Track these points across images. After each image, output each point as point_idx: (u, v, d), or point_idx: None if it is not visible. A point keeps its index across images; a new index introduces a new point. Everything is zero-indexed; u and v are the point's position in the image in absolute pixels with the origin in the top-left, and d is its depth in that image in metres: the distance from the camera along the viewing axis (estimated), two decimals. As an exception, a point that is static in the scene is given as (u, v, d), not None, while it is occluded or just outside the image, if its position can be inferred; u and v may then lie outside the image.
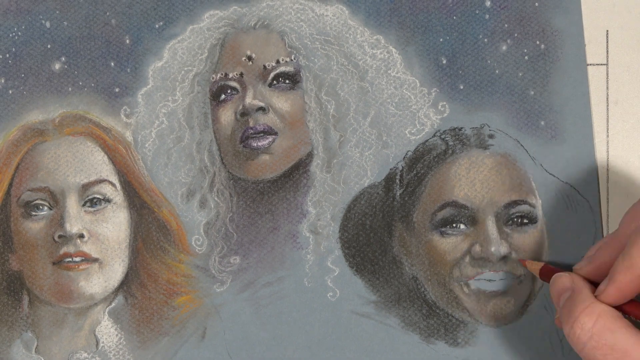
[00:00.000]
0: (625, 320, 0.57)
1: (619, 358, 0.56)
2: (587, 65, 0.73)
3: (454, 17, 0.73)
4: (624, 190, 0.72)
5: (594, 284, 0.61)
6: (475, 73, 0.73)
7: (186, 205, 0.72)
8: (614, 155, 0.72)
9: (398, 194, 0.72)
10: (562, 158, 0.72)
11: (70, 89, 0.73)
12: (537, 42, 0.73)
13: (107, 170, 0.72)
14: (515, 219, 0.70)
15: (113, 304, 0.72)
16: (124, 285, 0.72)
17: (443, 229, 0.70)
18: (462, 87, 0.72)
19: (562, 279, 0.62)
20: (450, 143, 0.72)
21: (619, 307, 0.58)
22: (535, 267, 0.68)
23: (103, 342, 0.72)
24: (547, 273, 0.67)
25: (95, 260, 0.71)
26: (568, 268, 0.65)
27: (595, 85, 0.72)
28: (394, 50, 0.73)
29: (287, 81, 0.72)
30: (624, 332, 0.56)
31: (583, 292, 0.59)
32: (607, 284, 0.58)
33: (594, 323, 0.57)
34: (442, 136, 0.72)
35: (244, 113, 0.72)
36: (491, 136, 0.72)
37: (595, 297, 0.59)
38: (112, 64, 0.73)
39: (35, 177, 0.71)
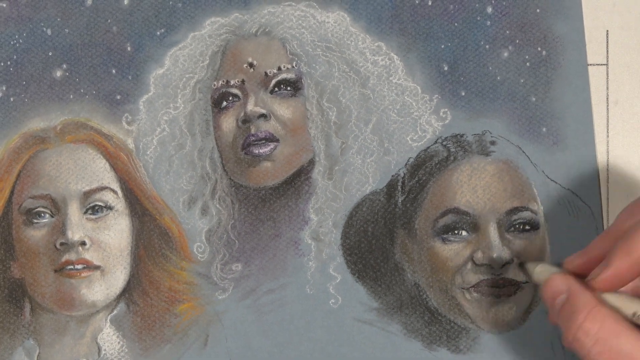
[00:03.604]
0: (627, 322, 0.56)
1: None
2: (588, 65, 0.73)
3: (456, 24, 0.73)
4: (624, 190, 0.72)
5: (584, 277, 0.59)
6: (476, 79, 0.73)
7: (188, 212, 0.72)
8: (614, 156, 0.72)
9: (400, 201, 0.72)
10: (563, 164, 0.72)
11: (71, 96, 0.73)
12: (539, 49, 0.73)
13: (108, 178, 0.72)
14: (517, 226, 0.70)
15: (115, 312, 0.72)
16: (126, 292, 0.72)
17: (445, 236, 0.70)
18: (463, 94, 0.72)
19: (555, 281, 0.60)
20: (452, 150, 0.72)
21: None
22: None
23: (105, 350, 0.71)
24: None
25: (97, 267, 0.71)
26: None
27: (595, 85, 0.72)
28: (395, 57, 0.73)
29: (288, 88, 0.72)
30: (628, 334, 0.55)
31: (581, 294, 0.58)
32: (603, 269, 0.56)
33: (598, 328, 0.56)
34: (444, 143, 0.72)
35: (246, 120, 0.72)
36: (493, 143, 0.72)
37: (588, 281, 0.58)
38: (114, 71, 0.73)
39: (36, 184, 0.71)
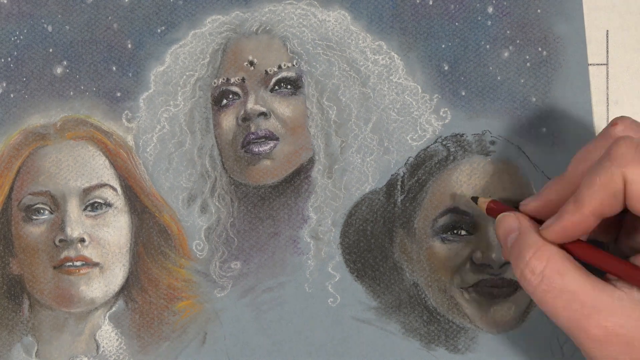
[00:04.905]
0: (574, 262, 0.57)
1: (568, 299, 0.56)
2: (588, 65, 0.73)
3: (456, 24, 0.73)
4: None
5: (539, 222, 0.60)
6: (477, 79, 0.73)
7: (187, 210, 0.72)
8: (614, 157, 0.72)
9: (399, 200, 0.72)
10: (563, 165, 0.71)
11: (71, 93, 0.73)
12: (539, 49, 0.73)
13: (108, 175, 0.72)
14: (517, 226, 0.70)
15: (113, 309, 0.72)
16: (125, 289, 0.72)
17: (444, 236, 0.70)
18: (463, 94, 0.72)
19: (508, 220, 0.61)
20: (452, 149, 0.72)
21: (562, 246, 0.58)
22: (482, 202, 0.66)
23: (103, 347, 0.72)
24: (493, 210, 0.65)
25: (96, 264, 0.71)
26: (515, 206, 0.64)
27: (596, 85, 0.72)
28: (396, 56, 0.73)
29: (288, 86, 0.72)
30: (573, 274, 0.56)
31: (530, 234, 0.59)
32: (554, 221, 0.58)
33: (544, 267, 0.57)
34: (444, 142, 0.72)
35: (246, 118, 0.72)
36: (493, 143, 0.72)
37: (540, 230, 0.59)
38: (114, 68, 0.73)
39: (36, 181, 0.71)
